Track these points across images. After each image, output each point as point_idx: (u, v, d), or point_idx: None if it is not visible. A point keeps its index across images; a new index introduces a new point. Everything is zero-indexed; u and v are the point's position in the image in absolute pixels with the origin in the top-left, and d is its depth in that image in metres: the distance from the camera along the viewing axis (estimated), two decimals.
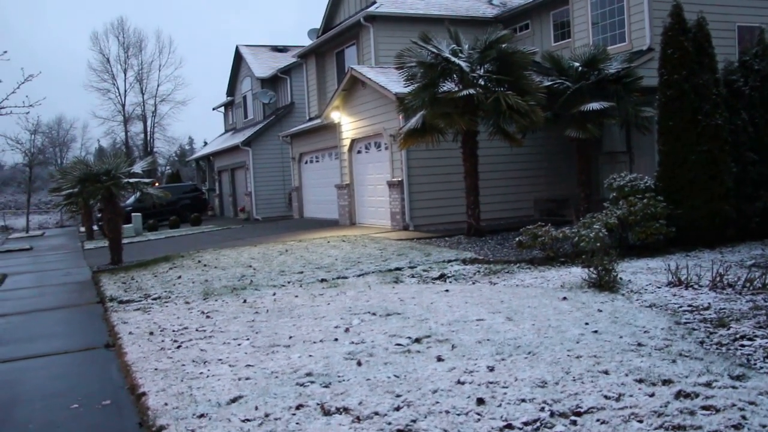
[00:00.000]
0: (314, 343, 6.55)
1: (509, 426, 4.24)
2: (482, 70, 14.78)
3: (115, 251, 15.47)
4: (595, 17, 17.78)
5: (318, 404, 4.79)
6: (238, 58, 34.66)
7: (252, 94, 33.31)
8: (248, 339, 6.93)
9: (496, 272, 10.72)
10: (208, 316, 8.35)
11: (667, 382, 4.88)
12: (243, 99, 35.21)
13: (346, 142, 20.46)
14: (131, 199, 28.54)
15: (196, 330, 7.60)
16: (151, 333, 7.64)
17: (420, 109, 14.79)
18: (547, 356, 5.58)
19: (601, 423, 4.22)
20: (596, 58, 15.20)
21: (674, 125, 11.98)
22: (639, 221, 11.52)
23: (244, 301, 9.24)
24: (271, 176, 29.85)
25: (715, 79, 12.14)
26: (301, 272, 11.63)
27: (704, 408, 4.37)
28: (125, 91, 56.05)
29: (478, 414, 4.44)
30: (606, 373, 5.11)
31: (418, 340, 6.34)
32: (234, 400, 5.03)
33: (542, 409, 4.45)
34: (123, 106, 56.20)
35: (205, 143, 52.80)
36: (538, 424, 4.26)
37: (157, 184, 30.96)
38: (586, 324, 6.63)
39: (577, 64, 15.41)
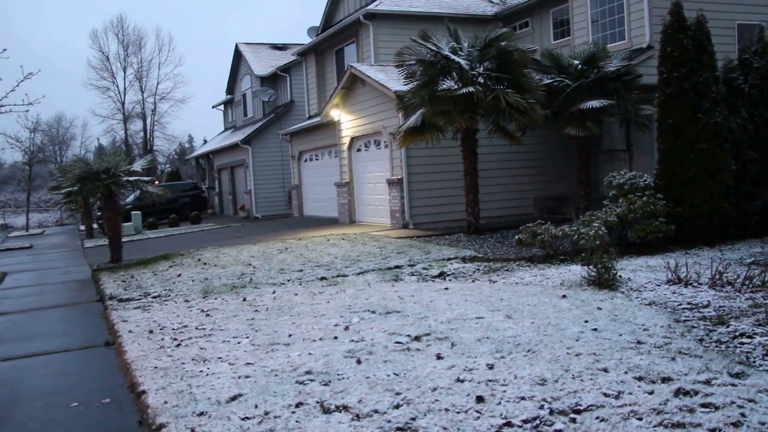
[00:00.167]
0: (314, 341, 6.55)
1: (509, 424, 4.24)
2: (482, 68, 14.78)
3: (115, 249, 15.47)
4: (595, 15, 17.78)
5: (317, 402, 4.80)
6: (238, 56, 34.64)
7: (252, 92, 33.30)
8: (248, 337, 6.94)
9: (495, 270, 10.73)
10: (207, 315, 8.36)
11: (666, 379, 4.88)
12: (243, 97, 35.20)
13: (346, 140, 20.45)
14: (131, 198, 28.52)
15: (196, 328, 7.60)
16: (151, 331, 7.64)
17: (419, 107, 14.79)
18: (547, 354, 5.59)
19: (601, 420, 4.22)
20: (596, 56, 15.20)
21: (674, 123, 11.99)
22: (638, 219, 11.53)
23: (244, 300, 9.24)
24: (271, 174, 29.86)
25: (715, 77, 12.14)
26: (301, 270, 11.64)
27: (703, 406, 4.38)
28: (125, 89, 56.05)
29: (478, 412, 4.44)
30: (605, 370, 5.11)
31: (417, 338, 6.35)
32: (234, 398, 5.03)
33: (542, 407, 4.45)
34: (122, 104, 56.20)
35: (205, 141, 52.79)
36: (537, 421, 4.26)
37: (156, 182, 30.95)
38: (586, 322, 6.63)
39: (576, 62, 15.41)
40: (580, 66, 15.29)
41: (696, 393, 4.60)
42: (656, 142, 12.64)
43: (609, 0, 17.27)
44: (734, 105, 12.41)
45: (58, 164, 52.42)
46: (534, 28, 20.35)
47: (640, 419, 4.21)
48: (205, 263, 13.29)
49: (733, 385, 4.76)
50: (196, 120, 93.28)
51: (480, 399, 4.65)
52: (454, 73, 14.75)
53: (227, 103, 39.56)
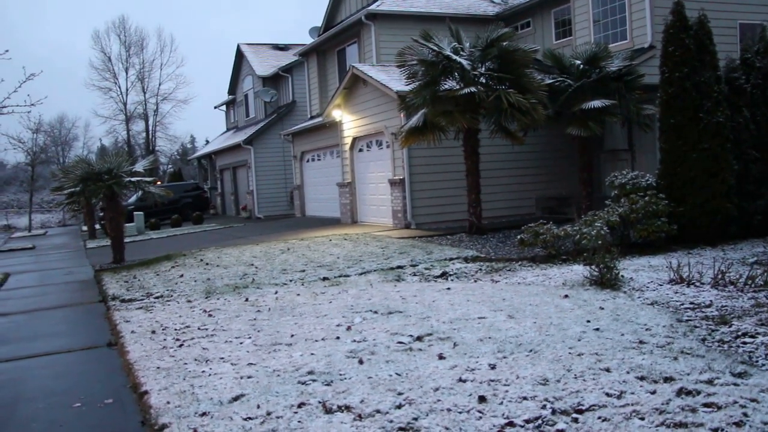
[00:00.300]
0: (316, 341, 6.56)
1: (511, 424, 4.25)
2: (483, 68, 14.77)
3: (117, 250, 15.49)
4: (597, 15, 17.77)
5: (320, 402, 4.80)
6: (240, 57, 34.67)
7: (253, 93, 33.32)
8: (250, 337, 6.94)
9: (497, 270, 10.73)
10: (210, 315, 8.37)
11: (668, 379, 4.88)
12: (245, 97, 35.22)
13: (348, 141, 20.46)
14: (133, 198, 28.57)
15: (198, 328, 7.61)
16: (153, 332, 7.66)
17: (421, 107, 14.79)
18: (549, 354, 5.59)
19: (603, 420, 4.22)
20: (597, 55, 15.19)
21: (676, 123, 11.98)
22: (641, 219, 11.52)
23: (246, 300, 9.25)
24: (273, 175, 29.87)
25: (717, 77, 12.13)
26: (303, 271, 11.64)
27: (706, 405, 4.38)
28: (127, 89, 56.08)
29: (480, 412, 4.45)
30: (607, 370, 5.11)
31: (419, 338, 6.35)
32: (236, 399, 5.04)
33: (544, 407, 4.46)
34: (125, 104, 56.22)
35: (207, 142, 52.82)
36: (539, 421, 4.26)
37: (159, 182, 30.97)
38: (588, 322, 6.63)
39: (578, 62, 15.40)
40: (581, 66, 15.28)
41: (698, 393, 4.60)
42: (658, 142, 12.63)
43: (611, 0, 17.26)
44: (736, 104, 12.40)
45: (60, 165, 52.50)
46: (536, 28, 20.35)
47: (642, 419, 4.22)
48: (207, 264, 13.30)
49: (735, 384, 4.76)
50: (198, 120, 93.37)
51: (482, 399, 4.65)
52: (456, 74, 14.74)
53: (229, 104, 39.59)
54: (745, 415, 4.19)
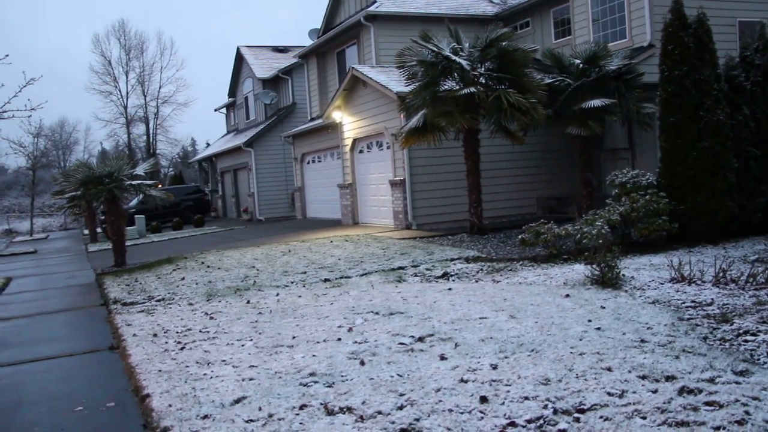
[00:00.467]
0: (317, 343, 6.56)
1: (513, 424, 4.25)
2: (483, 69, 14.78)
3: (119, 253, 15.50)
4: (596, 14, 17.77)
5: (321, 404, 4.80)
6: (240, 59, 34.69)
7: (253, 95, 33.33)
8: (252, 340, 6.95)
9: (499, 270, 10.72)
10: (211, 318, 8.37)
11: (670, 378, 4.88)
12: (245, 100, 35.24)
13: (348, 142, 20.47)
14: (134, 201, 28.57)
15: (200, 331, 7.62)
16: (155, 335, 7.66)
17: (421, 108, 14.80)
18: (551, 354, 5.59)
19: (605, 420, 4.22)
20: (597, 55, 15.19)
21: (675, 121, 11.97)
22: (641, 218, 11.51)
23: (248, 302, 9.25)
24: (274, 177, 29.88)
25: (716, 75, 12.12)
26: (305, 272, 11.65)
27: (707, 404, 4.38)
28: (127, 93, 56.13)
29: (482, 412, 4.44)
30: (609, 369, 5.11)
31: (421, 339, 6.35)
32: (238, 401, 5.04)
33: (545, 407, 4.45)
34: (125, 108, 56.27)
35: (208, 144, 52.86)
36: (541, 421, 4.26)
37: (159, 185, 30.98)
38: (589, 321, 6.63)
39: (577, 61, 15.40)
40: (581, 65, 15.27)
41: (700, 391, 4.59)
42: (658, 141, 12.62)
43: None
44: (736, 102, 12.38)
45: (61, 169, 52.54)
46: (535, 27, 20.35)
47: (644, 418, 4.21)
48: (208, 266, 13.31)
49: (737, 383, 4.76)
50: (198, 123, 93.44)
51: (484, 399, 4.65)
52: (456, 74, 14.75)
53: (229, 106, 39.61)
54: (747, 413, 4.19)
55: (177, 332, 7.69)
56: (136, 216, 26.34)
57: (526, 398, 4.63)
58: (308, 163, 25.74)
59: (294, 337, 6.86)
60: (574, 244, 11.33)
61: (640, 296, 7.92)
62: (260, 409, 4.82)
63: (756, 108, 12.60)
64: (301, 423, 4.50)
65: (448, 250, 13.14)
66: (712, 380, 4.81)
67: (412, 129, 14.86)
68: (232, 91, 37.22)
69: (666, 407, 4.34)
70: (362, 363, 5.70)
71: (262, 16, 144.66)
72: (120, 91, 55.85)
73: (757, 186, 12.41)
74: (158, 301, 10.15)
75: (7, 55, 12.81)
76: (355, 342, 6.42)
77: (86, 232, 29.18)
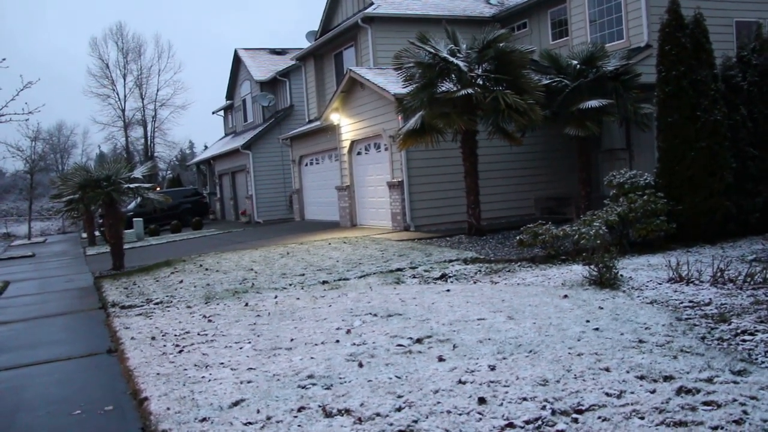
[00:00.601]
0: (316, 345, 6.55)
1: (511, 425, 4.24)
2: (480, 70, 14.79)
3: (117, 257, 15.49)
4: (593, 15, 17.79)
5: (320, 406, 4.80)
6: (237, 62, 34.70)
7: (251, 98, 33.35)
8: (250, 342, 6.94)
9: (497, 271, 10.73)
10: (209, 320, 8.36)
11: (668, 378, 4.88)
12: (242, 102, 35.25)
13: (346, 144, 20.47)
14: (132, 204, 28.56)
15: (198, 334, 7.61)
16: (153, 338, 7.65)
17: (419, 110, 14.81)
18: (549, 354, 5.59)
19: (603, 420, 4.22)
20: (594, 55, 15.21)
21: (673, 121, 11.99)
22: (639, 218, 11.52)
23: (246, 305, 9.25)
24: (272, 179, 29.89)
25: (714, 75, 12.14)
26: (303, 275, 11.64)
27: (705, 404, 4.38)
28: (125, 96, 56.15)
29: (480, 413, 4.44)
30: (607, 370, 5.11)
31: (419, 341, 6.35)
32: (236, 404, 5.03)
33: (544, 408, 4.45)
34: (123, 111, 56.30)
35: (206, 147, 52.81)
36: (539, 422, 4.26)
37: (158, 188, 31.01)
38: (587, 321, 6.63)
39: (575, 62, 15.42)
40: (578, 66, 15.29)
41: (698, 391, 4.60)
42: (656, 141, 12.64)
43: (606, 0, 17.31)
44: (733, 102, 12.40)
45: (59, 172, 52.47)
46: (532, 28, 20.37)
47: (642, 418, 4.21)
48: (206, 269, 13.30)
49: (735, 382, 4.76)
50: (196, 126, 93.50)
51: (482, 400, 4.65)
52: (453, 75, 14.76)
53: (227, 109, 39.61)
54: (745, 413, 4.19)
55: (175, 335, 7.68)
56: (134, 219, 26.32)
57: (525, 399, 4.63)
58: (306, 165, 25.74)
59: (292, 340, 6.86)
60: (572, 245, 11.34)
61: (638, 296, 7.92)
62: (258, 411, 4.81)
63: (753, 108, 12.61)
64: (299, 425, 4.50)
65: (446, 251, 13.14)
66: (710, 380, 4.81)
67: (409, 130, 14.87)
68: (230, 94, 37.23)
69: (664, 407, 4.35)
70: (360, 365, 5.70)
71: (260, 19, 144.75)
72: (118, 94, 55.91)
73: (754, 186, 12.43)
74: (156, 304, 10.14)
75: (4, 59, 12.82)
76: (354, 344, 6.42)
77: (84, 235, 29.17)
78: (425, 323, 7.02)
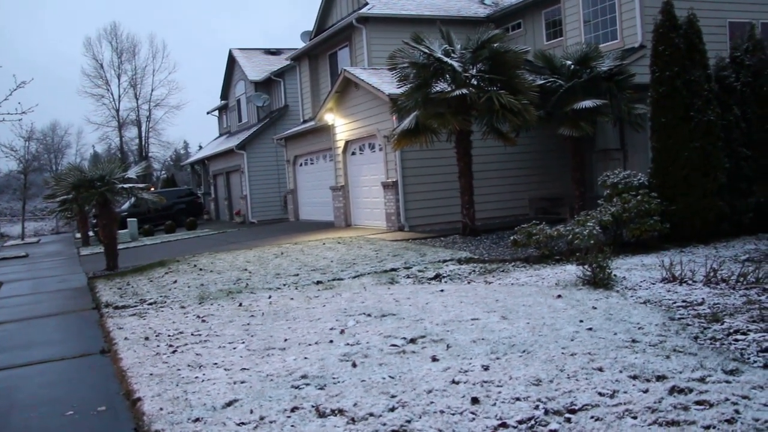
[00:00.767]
0: (309, 345, 6.55)
1: (504, 425, 4.25)
2: (475, 70, 14.81)
3: (111, 257, 15.44)
4: (587, 15, 17.82)
5: (313, 406, 4.79)
6: (232, 62, 34.66)
7: (246, 98, 33.31)
8: (244, 342, 6.93)
9: (491, 271, 10.73)
10: (203, 320, 8.35)
11: (661, 378, 4.89)
12: (237, 102, 35.21)
13: (340, 144, 20.46)
14: (126, 205, 28.49)
15: (192, 334, 7.59)
16: (147, 338, 7.63)
17: (413, 110, 14.81)
18: (542, 354, 5.59)
19: (596, 420, 4.23)
20: (588, 56, 15.23)
21: (667, 122, 12.02)
22: (633, 218, 11.55)
23: (240, 305, 9.24)
24: (266, 179, 29.86)
25: (707, 75, 12.18)
26: (297, 275, 11.63)
27: (698, 403, 4.39)
28: (119, 96, 55.96)
29: (473, 413, 4.45)
30: (600, 370, 5.12)
31: (413, 341, 6.35)
32: (229, 404, 5.03)
33: (537, 407, 4.46)
34: (117, 111, 56.11)
35: (200, 147, 52.75)
36: (532, 422, 4.26)
37: (152, 189, 30.91)
38: (581, 321, 6.64)
39: (569, 62, 15.43)
40: (572, 66, 15.31)
41: (690, 391, 4.61)
42: (650, 141, 12.66)
43: (601, 0, 17.32)
44: (726, 103, 12.44)
45: (53, 173, 52.28)
46: (526, 29, 20.39)
47: (634, 418, 4.22)
48: (201, 269, 13.28)
49: (727, 382, 4.77)
50: (191, 126, 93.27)
51: (475, 400, 4.65)
52: (447, 76, 14.77)
53: (222, 109, 39.56)
54: (737, 412, 4.20)
55: (169, 335, 7.66)
56: (128, 219, 26.25)
57: (518, 399, 4.63)
58: (301, 165, 25.72)
59: (286, 340, 6.85)
60: (566, 245, 11.35)
61: (632, 296, 7.94)
62: (252, 411, 4.81)
63: (746, 108, 12.66)
64: (292, 425, 4.50)
65: (440, 251, 13.15)
66: (702, 379, 4.83)
67: (404, 131, 14.88)
68: (225, 94, 37.19)
69: (657, 407, 4.36)
70: (354, 365, 5.70)
71: (255, 19, 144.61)
72: (112, 94, 55.73)
73: (748, 186, 12.47)
74: (150, 304, 10.12)
75: None
76: (347, 344, 6.41)
77: (78, 235, 29.08)
78: (419, 323, 7.02)
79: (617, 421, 4.19)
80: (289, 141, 26.08)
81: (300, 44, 27.14)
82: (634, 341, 5.87)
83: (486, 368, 5.32)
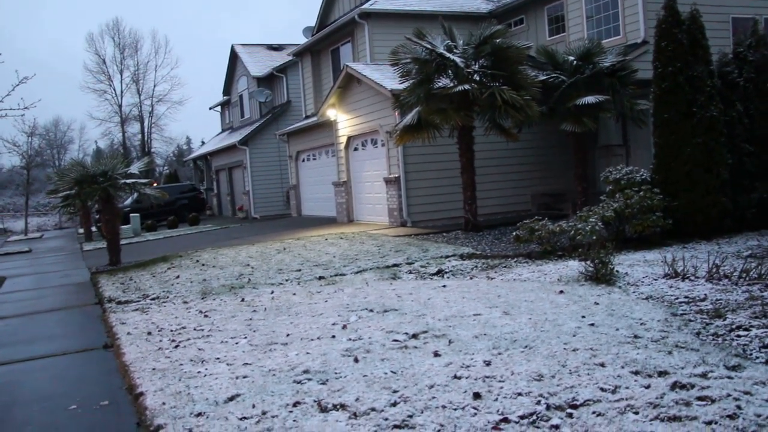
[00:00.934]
0: (312, 340, 6.56)
1: (505, 420, 4.25)
2: (477, 66, 14.78)
3: (114, 252, 15.47)
4: (590, 11, 17.78)
5: (315, 401, 4.80)
6: (234, 58, 34.64)
7: (248, 93, 33.30)
8: (246, 337, 6.94)
9: (493, 267, 10.74)
10: (206, 316, 8.37)
11: (663, 373, 4.89)
12: (239, 98, 35.20)
13: (343, 140, 20.46)
14: (129, 200, 28.53)
15: (194, 329, 7.61)
16: (149, 333, 7.65)
17: (415, 106, 14.80)
18: (544, 350, 5.60)
19: (597, 415, 4.23)
20: (591, 51, 15.20)
21: (669, 117, 11.99)
22: (635, 214, 11.54)
23: (242, 300, 9.25)
24: (269, 175, 29.87)
25: (710, 71, 12.14)
26: (299, 270, 11.64)
27: (700, 399, 4.39)
28: (122, 92, 56.07)
29: (475, 408, 4.45)
30: (602, 365, 5.12)
31: (415, 336, 6.36)
32: (231, 399, 5.04)
33: (538, 403, 4.46)
34: (120, 107, 56.22)
35: (203, 143, 52.76)
36: (534, 417, 4.27)
37: (154, 184, 30.93)
38: (583, 317, 6.64)
39: (571, 58, 15.41)
40: (575, 62, 15.29)
41: (692, 386, 4.61)
42: (652, 137, 12.64)
43: None
44: (729, 99, 12.41)
45: (56, 168, 52.38)
46: (529, 24, 20.36)
47: (636, 413, 4.22)
48: (203, 264, 13.30)
49: (729, 377, 4.77)
50: (193, 122, 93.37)
51: (477, 395, 4.66)
52: (450, 71, 14.76)
53: (224, 105, 39.56)
54: (739, 408, 4.21)
55: (171, 330, 7.68)
56: (131, 215, 26.30)
57: (520, 394, 4.64)
58: (303, 161, 25.72)
59: (288, 335, 6.86)
60: (568, 241, 11.35)
61: (634, 292, 7.93)
62: (254, 406, 4.82)
63: (749, 104, 12.62)
64: (294, 420, 4.51)
65: (442, 247, 13.15)
66: (704, 375, 4.83)
67: (406, 126, 14.87)
68: (227, 90, 37.19)
69: (658, 402, 4.36)
70: (356, 360, 5.70)
71: (257, 14, 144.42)
72: (114, 89, 55.83)
73: (750, 182, 12.44)
74: (153, 299, 10.14)
75: None
76: (349, 339, 6.42)
77: (81, 231, 29.13)
78: (421, 319, 7.03)
79: (619, 416, 4.19)
80: (292, 137, 26.08)
81: (302, 40, 27.13)
82: (636, 337, 5.87)
83: (488, 363, 5.33)
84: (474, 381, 4.95)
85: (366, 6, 20.65)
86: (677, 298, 7.43)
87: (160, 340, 7.21)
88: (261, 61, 32.82)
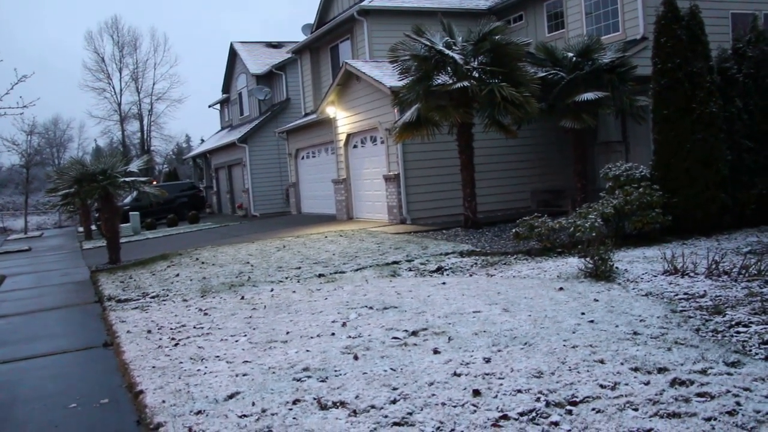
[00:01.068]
0: (311, 338, 6.56)
1: (505, 416, 4.26)
2: (476, 62, 14.77)
3: (113, 250, 15.47)
4: (589, 7, 17.76)
5: (315, 399, 4.81)
6: (233, 55, 34.61)
7: (247, 91, 33.28)
8: (246, 335, 6.95)
9: (493, 264, 10.74)
10: (205, 314, 8.37)
11: (662, 370, 4.90)
12: (239, 96, 35.18)
13: (342, 137, 20.45)
14: (129, 198, 28.53)
15: (194, 327, 7.61)
16: (149, 331, 7.66)
17: (415, 103, 14.79)
18: (543, 347, 5.60)
19: (597, 412, 4.23)
20: (590, 48, 15.19)
21: (669, 114, 11.98)
22: (635, 210, 11.53)
23: (242, 298, 9.25)
24: (268, 172, 29.86)
25: (709, 67, 12.14)
26: (299, 268, 11.65)
27: (699, 395, 4.39)
28: (121, 90, 56.01)
29: (474, 405, 4.46)
30: (602, 362, 5.13)
31: (414, 333, 6.36)
32: (231, 396, 5.04)
33: (538, 399, 4.47)
34: (119, 105, 56.16)
35: (202, 141, 52.75)
36: (533, 414, 4.27)
37: (154, 182, 30.92)
38: (582, 314, 6.65)
39: (571, 54, 15.40)
40: (574, 58, 15.28)
41: (692, 383, 4.61)
42: (652, 133, 12.64)
43: None
44: (729, 95, 12.40)
45: (55, 166, 52.33)
46: (528, 21, 20.34)
47: (636, 410, 4.23)
48: (203, 262, 13.30)
49: (728, 374, 4.78)
50: (192, 119, 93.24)
51: (476, 392, 4.66)
52: (449, 68, 14.74)
53: (223, 102, 39.53)
54: (738, 404, 4.21)
55: (171, 328, 7.68)
56: (130, 213, 26.29)
57: (519, 391, 4.64)
58: (302, 158, 25.71)
59: (288, 333, 6.86)
60: (567, 238, 11.36)
61: (633, 289, 7.94)
62: (254, 404, 4.82)
63: (749, 100, 12.61)
64: (294, 418, 4.51)
65: (442, 244, 13.15)
66: (704, 371, 4.83)
67: (405, 123, 14.86)
68: (226, 87, 37.16)
69: (658, 399, 4.36)
70: (356, 357, 5.71)
71: (257, 11, 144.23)
72: (114, 87, 55.78)
73: (750, 178, 12.44)
74: (152, 297, 10.14)
75: None
76: (349, 337, 6.43)
77: (81, 229, 29.13)
78: (421, 316, 7.04)
79: (618, 413, 4.20)
80: (291, 134, 26.07)
81: (301, 37, 27.09)
82: (635, 333, 5.87)
83: (487, 360, 5.33)
84: (474, 378, 4.95)
85: (365, 3, 20.62)
86: (677, 295, 7.43)
87: (160, 339, 7.22)
88: (260, 58, 32.80)
